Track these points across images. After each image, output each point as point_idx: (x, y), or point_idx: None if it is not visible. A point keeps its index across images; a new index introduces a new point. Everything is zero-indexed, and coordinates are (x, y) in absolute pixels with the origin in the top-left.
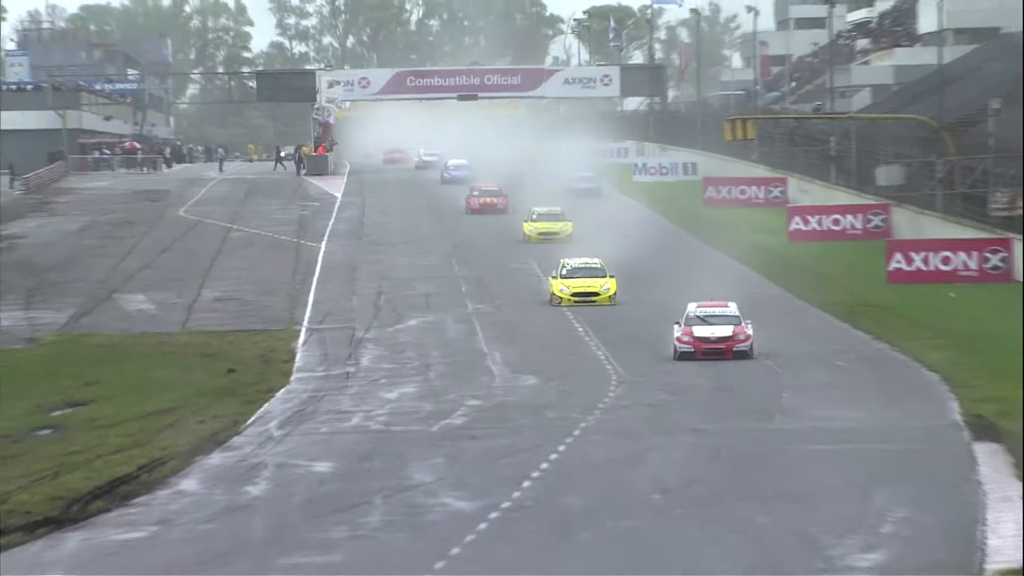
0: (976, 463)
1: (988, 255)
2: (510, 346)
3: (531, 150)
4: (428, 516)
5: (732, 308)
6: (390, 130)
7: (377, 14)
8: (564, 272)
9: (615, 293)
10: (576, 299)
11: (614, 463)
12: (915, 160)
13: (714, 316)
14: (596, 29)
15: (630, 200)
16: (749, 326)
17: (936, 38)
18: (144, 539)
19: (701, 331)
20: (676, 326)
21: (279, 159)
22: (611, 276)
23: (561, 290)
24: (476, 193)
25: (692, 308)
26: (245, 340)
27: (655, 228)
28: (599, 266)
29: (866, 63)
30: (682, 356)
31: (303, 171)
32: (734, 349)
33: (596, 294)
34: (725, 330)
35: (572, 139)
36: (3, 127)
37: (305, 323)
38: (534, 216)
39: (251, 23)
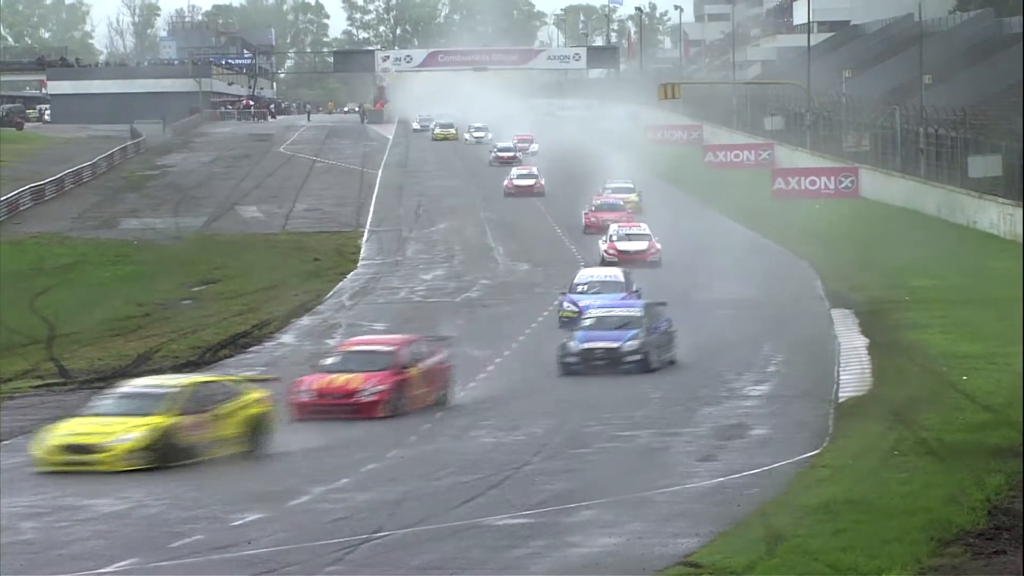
0: (833, 323)
1: (842, 178)
2: (510, 242)
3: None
4: (453, 360)
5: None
6: (425, 92)
7: (416, 11)
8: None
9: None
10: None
11: None
12: (791, 112)
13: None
14: (570, 21)
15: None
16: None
17: (805, 28)
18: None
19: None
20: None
21: (362, 112)
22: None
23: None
24: None
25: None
26: (326, 238)
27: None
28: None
29: (757, 45)
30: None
31: (366, 120)
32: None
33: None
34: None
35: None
36: (160, 90)
37: (367, 226)
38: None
39: (328, 17)
